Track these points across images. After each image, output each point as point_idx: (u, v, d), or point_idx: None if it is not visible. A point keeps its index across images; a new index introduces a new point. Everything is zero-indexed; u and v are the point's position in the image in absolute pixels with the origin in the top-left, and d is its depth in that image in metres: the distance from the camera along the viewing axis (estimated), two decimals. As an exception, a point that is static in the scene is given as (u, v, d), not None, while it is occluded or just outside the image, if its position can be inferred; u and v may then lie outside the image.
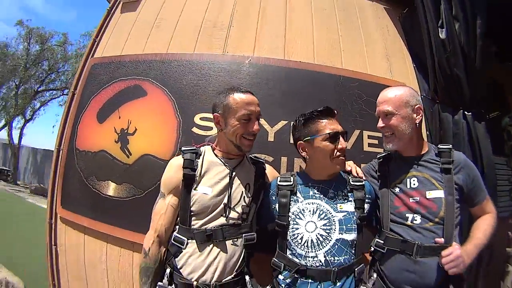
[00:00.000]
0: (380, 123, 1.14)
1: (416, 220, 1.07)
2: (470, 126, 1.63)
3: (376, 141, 1.54)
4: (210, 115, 1.47)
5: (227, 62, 1.61)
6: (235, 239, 1.07)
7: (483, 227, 1.10)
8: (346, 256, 1.04)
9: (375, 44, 1.86)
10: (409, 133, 1.12)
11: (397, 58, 1.88)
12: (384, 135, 1.17)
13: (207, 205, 1.06)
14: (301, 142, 1.12)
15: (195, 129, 1.54)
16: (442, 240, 1.03)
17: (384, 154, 1.26)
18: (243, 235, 1.08)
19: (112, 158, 1.68)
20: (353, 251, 1.06)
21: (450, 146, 1.15)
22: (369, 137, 1.55)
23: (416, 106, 1.14)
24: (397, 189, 1.13)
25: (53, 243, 1.83)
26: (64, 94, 13.59)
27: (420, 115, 1.15)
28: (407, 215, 1.09)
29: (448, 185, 1.07)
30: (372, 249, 1.15)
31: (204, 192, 1.07)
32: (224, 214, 1.07)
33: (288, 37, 1.71)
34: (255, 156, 1.27)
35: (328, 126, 1.08)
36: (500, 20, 2.01)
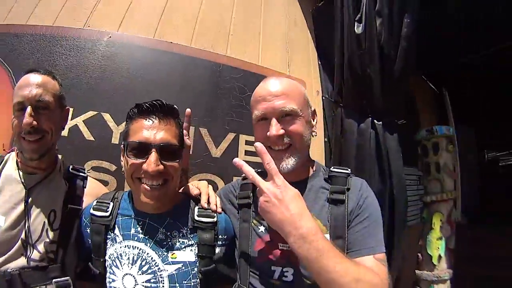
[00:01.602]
0: (276, 129, 0.73)
1: (286, 276, 0.74)
2: (380, 137, 1.40)
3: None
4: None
5: (81, 39, 1.30)
6: (43, 287, 0.80)
7: (354, 265, 0.64)
8: None
9: (276, 33, 1.66)
10: (308, 145, 0.81)
11: (300, 52, 1.71)
12: (272, 148, 0.76)
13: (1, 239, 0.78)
14: (122, 149, 0.80)
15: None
16: None
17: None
18: (53, 280, 0.81)
19: None
20: None
21: (348, 171, 0.82)
22: (248, 142, 1.29)
23: (313, 109, 0.84)
24: (261, 228, 0.79)
25: None
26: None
27: (316, 121, 0.86)
28: (272, 268, 0.75)
29: (337, 224, 0.73)
30: None
31: None
32: (24, 253, 0.79)
33: (167, 13, 1.43)
34: (73, 167, 0.95)
35: (140, 131, 0.74)
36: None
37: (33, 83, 0.81)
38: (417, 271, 1.66)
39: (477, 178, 4.43)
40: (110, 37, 1.29)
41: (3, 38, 1.41)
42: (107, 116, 1.18)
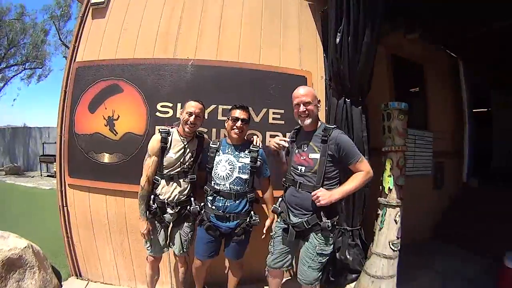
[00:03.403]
0: (302, 108, 1.64)
1: (302, 170, 1.68)
2: (348, 109, 2.24)
3: (278, 116, 2.27)
4: (168, 104, 2.28)
5: (176, 65, 2.25)
6: (185, 179, 1.90)
7: (352, 180, 1.59)
8: (241, 187, 1.82)
9: (291, 39, 2.44)
10: (316, 115, 1.70)
11: (309, 50, 2.48)
12: (301, 116, 1.67)
13: (172, 162, 1.85)
14: (226, 119, 1.89)
15: (157, 114, 2.26)
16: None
17: (297, 128, 1.82)
18: (189, 176, 1.91)
19: (104, 137, 2.34)
20: (246, 185, 1.83)
21: (334, 126, 1.67)
22: (273, 113, 2.27)
23: (318, 100, 1.73)
24: (297, 151, 1.73)
25: (64, 205, 2.43)
26: (26, 68, 13.00)
27: (319, 105, 1.73)
28: (298, 167, 1.70)
29: (323, 150, 1.62)
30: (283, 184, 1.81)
31: (171, 156, 1.85)
32: (180, 166, 1.88)
33: (221, 40, 2.31)
34: (199, 132, 2.01)
35: (234, 113, 1.81)
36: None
37: (195, 106, 1.83)
38: (378, 198, 2.22)
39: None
40: (192, 62, 2.26)
41: (123, 67, 2.37)
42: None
